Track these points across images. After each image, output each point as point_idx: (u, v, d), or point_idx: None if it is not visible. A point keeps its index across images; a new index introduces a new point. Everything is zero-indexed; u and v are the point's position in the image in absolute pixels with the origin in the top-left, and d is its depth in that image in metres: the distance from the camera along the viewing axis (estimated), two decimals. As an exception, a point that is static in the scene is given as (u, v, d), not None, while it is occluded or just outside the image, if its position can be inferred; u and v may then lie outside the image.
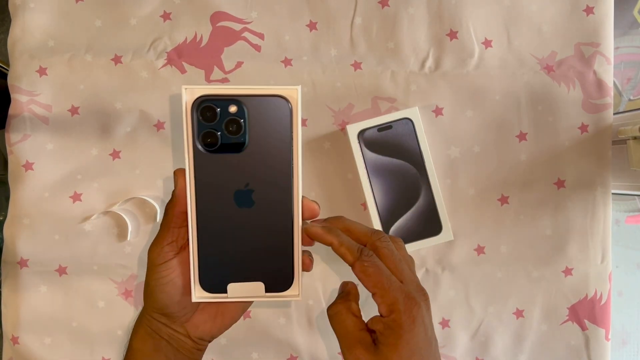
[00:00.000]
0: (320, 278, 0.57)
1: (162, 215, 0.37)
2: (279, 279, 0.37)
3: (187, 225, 0.37)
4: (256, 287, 0.37)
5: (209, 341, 0.40)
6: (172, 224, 0.36)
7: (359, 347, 0.33)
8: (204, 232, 0.36)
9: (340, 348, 0.35)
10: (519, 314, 0.58)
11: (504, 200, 0.57)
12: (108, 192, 0.56)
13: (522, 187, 0.57)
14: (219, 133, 0.34)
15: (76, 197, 0.56)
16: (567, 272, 0.57)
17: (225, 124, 0.34)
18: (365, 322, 0.35)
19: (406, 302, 0.33)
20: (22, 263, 0.55)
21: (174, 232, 0.37)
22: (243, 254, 0.36)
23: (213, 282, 0.37)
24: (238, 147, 0.34)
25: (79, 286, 0.56)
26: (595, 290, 0.58)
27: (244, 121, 0.34)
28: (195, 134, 0.34)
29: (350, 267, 0.35)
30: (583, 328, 0.58)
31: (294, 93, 0.34)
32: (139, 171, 0.56)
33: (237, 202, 0.35)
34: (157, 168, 0.56)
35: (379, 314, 0.34)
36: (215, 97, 0.34)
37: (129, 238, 0.55)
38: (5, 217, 0.56)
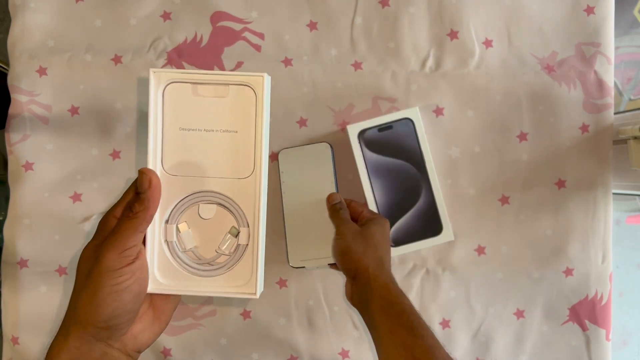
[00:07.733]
0: (320, 279, 0.57)
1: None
2: None
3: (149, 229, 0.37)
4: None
5: (141, 352, 0.39)
6: (140, 228, 0.35)
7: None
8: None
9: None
10: (519, 314, 0.58)
11: (504, 200, 0.57)
12: (108, 192, 0.56)
13: (522, 187, 0.57)
14: None
15: (76, 197, 0.56)
16: (568, 272, 0.57)
17: None
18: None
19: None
20: (22, 263, 0.55)
21: (138, 236, 0.35)
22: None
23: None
24: None
25: (79, 286, 0.56)
26: (596, 290, 0.57)
27: None
28: None
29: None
30: (584, 328, 0.58)
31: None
32: (139, 171, 0.56)
33: None
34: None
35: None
36: None
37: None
38: (5, 217, 0.56)
